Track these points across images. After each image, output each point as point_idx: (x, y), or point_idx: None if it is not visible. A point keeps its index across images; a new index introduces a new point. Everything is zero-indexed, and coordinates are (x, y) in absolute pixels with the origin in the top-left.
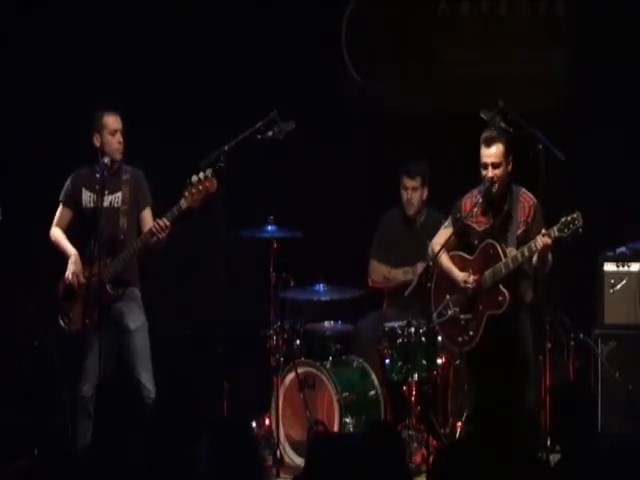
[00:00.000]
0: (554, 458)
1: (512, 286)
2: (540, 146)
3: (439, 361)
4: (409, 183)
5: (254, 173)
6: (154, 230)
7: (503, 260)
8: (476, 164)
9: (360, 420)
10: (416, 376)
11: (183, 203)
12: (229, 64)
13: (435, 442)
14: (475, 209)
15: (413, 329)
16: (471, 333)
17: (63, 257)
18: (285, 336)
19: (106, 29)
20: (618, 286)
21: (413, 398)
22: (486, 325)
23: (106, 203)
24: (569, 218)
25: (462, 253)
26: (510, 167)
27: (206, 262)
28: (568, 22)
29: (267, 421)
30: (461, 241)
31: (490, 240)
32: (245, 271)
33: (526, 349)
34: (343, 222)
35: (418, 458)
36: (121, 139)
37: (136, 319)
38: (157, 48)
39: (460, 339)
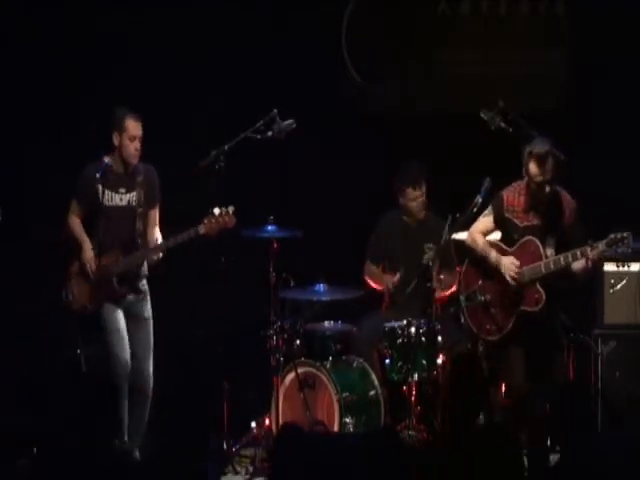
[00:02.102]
0: (554, 458)
1: (549, 286)
2: None
3: (439, 361)
4: (414, 194)
5: (254, 173)
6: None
7: (544, 260)
8: (475, 164)
9: (360, 420)
10: (416, 376)
11: (201, 228)
12: (229, 64)
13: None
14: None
15: (413, 329)
16: (501, 324)
17: (75, 243)
18: (285, 336)
19: (106, 29)
20: (618, 286)
21: (413, 398)
22: (517, 319)
23: (124, 202)
24: (618, 236)
25: (501, 244)
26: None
27: (206, 262)
28: (568, 22)
29: (267, 421)
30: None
31: (531, 237)
32: (245, 271)
33: (551, 348)
34: (343, 222)
35: None
36: (139, 146)
37: (148, 308)
38: (157, 48)
39: (488, 327)
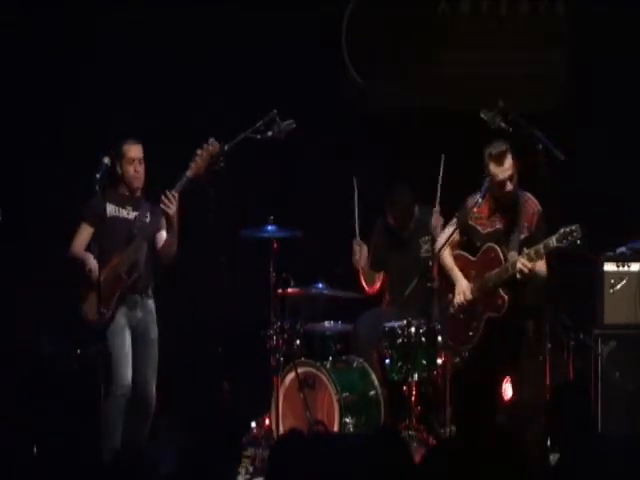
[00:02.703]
0: (554, 458)
1: (512, 289)
2: (540, 146)
3: (439, 361)
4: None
5: (254, 173)
6: (162, 205)
7: (503, 265)
8: (475, 164)
9: (360, 420)
10: (416, 376)
11: (188, 173)
12: (229, 64)
13: (435, 442)
14: (475, 209)
15: (413, 329)
16: (471, 333)
17: (79, 263)
18: (285, 336)
19: (106, 29)
20: (618, 286)
21: (413, 398)
22: (485, 326)
23: (131, 216)
24: (568, 230)
25: (465, 254)
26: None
27: (206, 262)
28: (568, 22)
29: (267, 421)
30: (465, 241)
31: (491, 244)
32: (245, 271)
33: (523, 350)
34: (343, 222)
35: (418, 458)
36: (139, 168)
37: (155, 329)
38: (157, 48)
39: (461, 336)
